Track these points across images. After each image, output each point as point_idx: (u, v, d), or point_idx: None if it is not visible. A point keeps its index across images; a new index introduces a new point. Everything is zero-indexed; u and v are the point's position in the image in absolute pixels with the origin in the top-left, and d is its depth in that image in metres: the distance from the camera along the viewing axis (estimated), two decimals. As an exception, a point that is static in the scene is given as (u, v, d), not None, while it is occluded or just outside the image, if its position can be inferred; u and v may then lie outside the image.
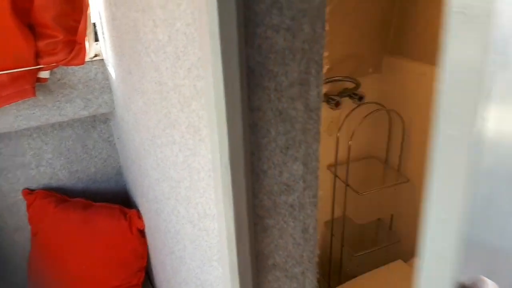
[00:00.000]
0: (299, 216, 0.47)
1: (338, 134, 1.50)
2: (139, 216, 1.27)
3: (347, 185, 1.48)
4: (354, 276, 1.59)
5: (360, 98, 1.44)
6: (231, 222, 0.41)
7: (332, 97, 1.43)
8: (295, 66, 0.39)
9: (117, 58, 0.95)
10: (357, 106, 1.45)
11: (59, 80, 1.15)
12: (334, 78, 1.39)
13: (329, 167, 1.61)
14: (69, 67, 1.14)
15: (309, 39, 0.39)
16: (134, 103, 0.83)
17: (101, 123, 1.38)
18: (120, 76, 0.96)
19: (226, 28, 0.33)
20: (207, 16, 0.34)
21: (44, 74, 1.10)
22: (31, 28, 1.01)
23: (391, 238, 1.65)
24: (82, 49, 1.08)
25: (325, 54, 0.41)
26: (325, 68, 0.42)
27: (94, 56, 1.20)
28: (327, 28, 0.40)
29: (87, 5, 1.06)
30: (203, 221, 0.53)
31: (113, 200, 1.38)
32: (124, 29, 0.75)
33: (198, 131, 0.46)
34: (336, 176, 1.55)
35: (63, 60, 1.06)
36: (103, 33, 1.13)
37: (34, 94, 1.08)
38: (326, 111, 1.49)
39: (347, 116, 1.47)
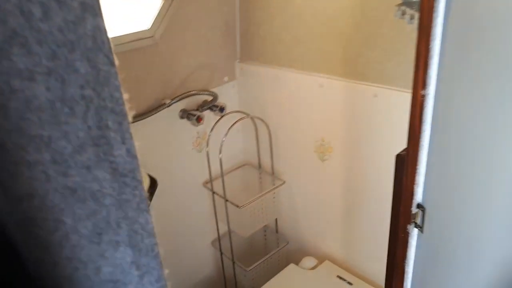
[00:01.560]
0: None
1: (207, 149, 1.41)
2: None
3: (226, 200, 1.40)
4: (252, 291, 1.53)
5: (222, 109, 1.37)
6: None
7: (192, 112, 1.32)
8: (78, 122, 0.27)
9: None
10: (220, 118, 1.37)
11: None
12: (189, 93, 1.29)
13: (205, 184, 1.50)
14: None
15: (91, 81, 0.27)
16: None
17: None
18: None
19: None
20: None
21: None
22: None
23: (280, 241, 1.64)
24: None
25: (126, 96, 0.30)
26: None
27: None
28: (116, 62, 0.28)
29: None
30: None
31: None
32: None
33: None
34: (213, 192, 1.46)
35: None
36: None
37: None
38: (189, 128, 1.38)
39: (212, 129, 1.39)
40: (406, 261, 0.85)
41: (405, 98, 1.10)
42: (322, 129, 1.32)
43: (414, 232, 0.83)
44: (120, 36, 1.16)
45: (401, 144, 0.86)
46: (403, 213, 0.82)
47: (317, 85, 1.27)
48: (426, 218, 0.79)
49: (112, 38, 0.28)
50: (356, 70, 1.17)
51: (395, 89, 1.09)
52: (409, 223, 0.81)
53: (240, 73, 1.48)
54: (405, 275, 0.87)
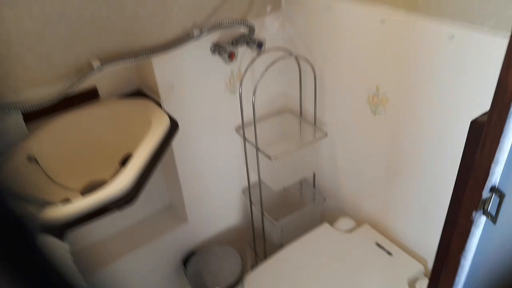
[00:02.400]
0: None
1: (241, 90, 1.24)
2: None
3: (258, 149, 1.26)
4: (280, 244, 1.43)
5: (260, 44, 1.17)
6: None
7: (224, 47, 1.14)
8: None
9: None
10: (257, 55, 1.19)
11: None
12: (221, 23, 1.10)
13: (237, 129, 1.36)
14: None
15: None
16: None
17: None
18: None
19: None
20: None
21: None
22: None
23: (316, 197, 1.50)
24: None
25: None
26: None
27: None
28: None
29: None
30: None
31: None
32: None
33: None
34: (245, 139, 1.32)
35: None
36: None
37: None
38: (222, 65, 1.21)
39: (247, 68, 1.21)
40: (464, 254, 0.67)
41: (495, 44, 0.84)
42: (379, 76, 1.10)
43: (481, 221, 0.64)
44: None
45: (480, 106, 0.64)
46: (469, 196, 0.62)
47: (377, 21, 1.03)
48: (503, 206, 0.60)
49: None
50: (429, 1, 0.91)
51: (481, 29, 0.84)
52: (476, 209, 0.62)
53: (286, 2, 1.26)
54: (459, 270, 0.70)
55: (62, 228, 0.78)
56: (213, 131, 1.31)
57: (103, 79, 1.14)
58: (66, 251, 0.68)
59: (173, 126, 1.05)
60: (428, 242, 1.19)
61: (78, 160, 1.10)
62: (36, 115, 1.06)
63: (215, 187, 1.43)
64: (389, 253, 1.23)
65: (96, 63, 1.00)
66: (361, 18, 1.07)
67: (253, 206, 1.47)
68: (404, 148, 1.12)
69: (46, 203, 0.82)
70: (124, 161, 1.08)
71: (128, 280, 1.36)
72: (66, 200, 0.99)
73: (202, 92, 1.22)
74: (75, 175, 1.08)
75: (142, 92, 1.20)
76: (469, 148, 0.60)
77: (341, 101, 1.25)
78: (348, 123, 1.27)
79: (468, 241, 0.66)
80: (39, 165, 1.01)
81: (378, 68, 1.09)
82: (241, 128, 1.32)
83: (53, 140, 1.06)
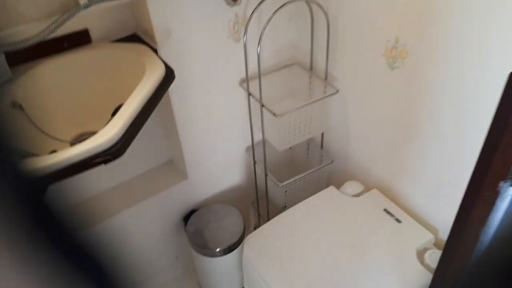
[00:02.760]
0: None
1: (245, 39, 1.13)
2: None
3: (262, 105, 1.17)
4: (284, 206, 1.37)
5: (267, -15, 1.05)
6: None
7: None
8: None
9: None
10: (264, -2, 1.06)
11: None
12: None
13: (241, 82, 1.26)
14: None
15: None
16: None
17: None
18: None
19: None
20: None
21: None
22: None
23: (324, 159, 1.41)
24: None
25: None
26: None
27: None
28: None
29: None
30: None
31: None
32: None
33: None
34: (249, 94, 1.22)
35: None
36: None
37: None
38: (225, 9, 1.10)
39: (252, 12, 1.09)
40: (484, 229, 0.59)
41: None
42: (399, 25, 0.97)
43: (508, 193, 0.55)
44: None
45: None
46: (498, 164, 0.53)
47: (402, -41, 0.89)
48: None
49: None
50: None
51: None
52: (504, 179, 0.53)
53: None
54: (477, 245, 0.62)
55: (43, 181, 0.72)
56: (215, 83, 1.21)
57: (95, 21, 1.04)
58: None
59: (169, 75, 0.96)
60: (441, 212, 1.11)
61: (68, 109, 1.03)
62: (23, 59, 0.98)
63: (217, 144, 1.35)
64: (398, 220, 1.16)
65: (83, 0, 0.89)
66: (384, -44, 0.93)
67: (256, 166, 1.40)
68: (422, 108, 1.01)
69: (29, 154, 0.76)
70: (115, 112, 1.00)
71: (127, 236, 1.33)
72: (53, 152, 0.92)
73: (202, 38, 1.11)
74: (65, 126, 1.01)
75: (138, 37, 1.10)
76: (504, 108, 0.50)
77: (356, 54, 1.13)
78: (362, 79, 1.15)
79: (491, 214, 0.57)
80: (24, 112, 0.94)
81: (398, 17, 0.96)
82: (245, 82, 1.22)
83: (40, 86, 0.99)
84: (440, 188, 1.06)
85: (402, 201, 1.21)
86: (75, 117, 1.04)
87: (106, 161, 0.78)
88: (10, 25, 0.89)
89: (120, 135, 0.80)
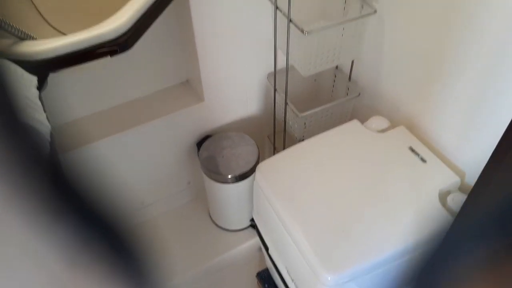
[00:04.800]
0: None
1: None
2: None
3: (290, 20, 1.06)
4: (301, 139, 1.30)
5: None
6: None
7: None
8: None
9: None
10: None
11: None
12: None
13: (269, -4, 1.14)
14: None
15: None
16: None
17: None
18: None
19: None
20: None
21: None
22: None
23: (351, 91, 1.31)
24: None
25: None
26: None
27: None
28: None
29: None
30: None
31: None
32: None
33: None
34: (276, 7, 1.11)
35: None
36: None
37: None
38: None
39: None
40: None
41: None
42: None
43: None
44: None
45: None
46: None
47: None
48: None
49: None
50: None
51: None
52: None
53: None
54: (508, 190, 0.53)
55: (40, 66, 0.66)
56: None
57: None
58: (32, 85, 0.56)
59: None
60: (471, 155, 1.02)
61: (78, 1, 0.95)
62: None
63: (237, 67, 1.26)
64: (423, 159, 1.07)
65: None
66: None
67: (277, 95, 1.31)
68: (463, 44, 0.88)
69: (27, 36, 0.69)
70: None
71: (137, 155, 1.30)
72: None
73: None
74: (73, 19, 0.93)
75: None
76: None
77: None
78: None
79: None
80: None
81: None
82: (273, -6, 1.10)
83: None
84: (473, 128, 0.96)
85: (430, 140, 1.12)
86: (84, 10, 0.96)
87: (112, 53, 0.71)
88: None
89: (129, 25, 0.72)
